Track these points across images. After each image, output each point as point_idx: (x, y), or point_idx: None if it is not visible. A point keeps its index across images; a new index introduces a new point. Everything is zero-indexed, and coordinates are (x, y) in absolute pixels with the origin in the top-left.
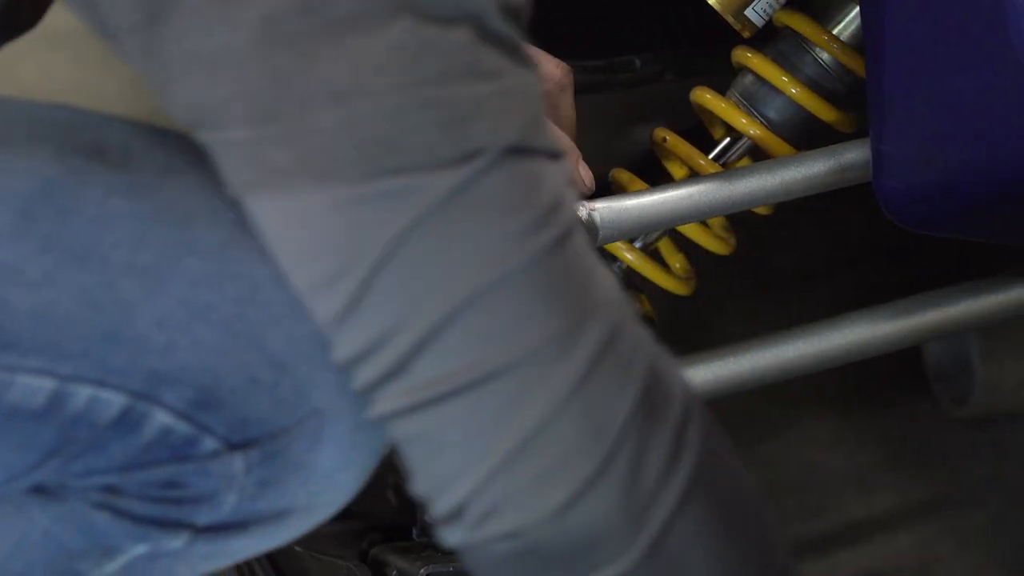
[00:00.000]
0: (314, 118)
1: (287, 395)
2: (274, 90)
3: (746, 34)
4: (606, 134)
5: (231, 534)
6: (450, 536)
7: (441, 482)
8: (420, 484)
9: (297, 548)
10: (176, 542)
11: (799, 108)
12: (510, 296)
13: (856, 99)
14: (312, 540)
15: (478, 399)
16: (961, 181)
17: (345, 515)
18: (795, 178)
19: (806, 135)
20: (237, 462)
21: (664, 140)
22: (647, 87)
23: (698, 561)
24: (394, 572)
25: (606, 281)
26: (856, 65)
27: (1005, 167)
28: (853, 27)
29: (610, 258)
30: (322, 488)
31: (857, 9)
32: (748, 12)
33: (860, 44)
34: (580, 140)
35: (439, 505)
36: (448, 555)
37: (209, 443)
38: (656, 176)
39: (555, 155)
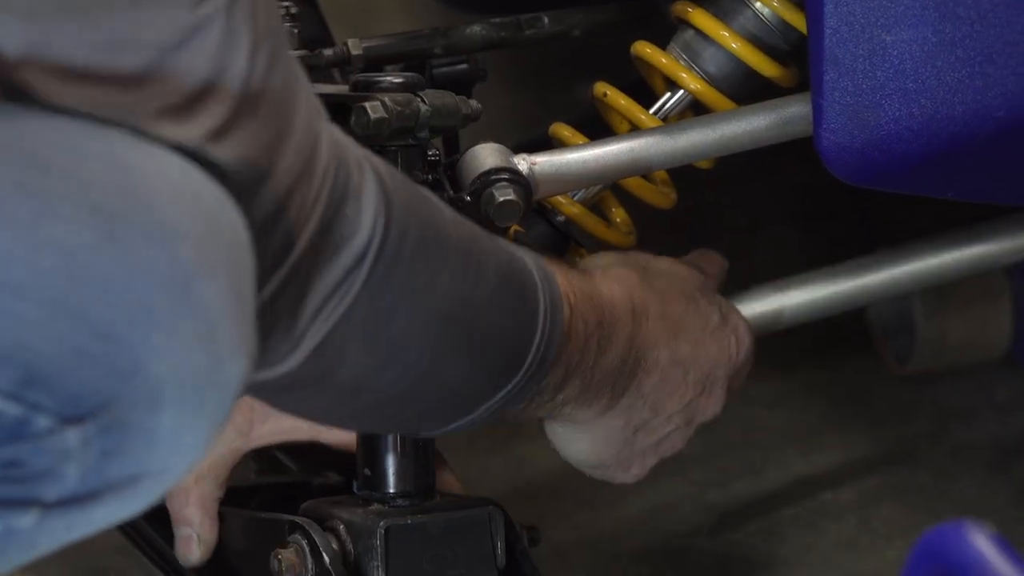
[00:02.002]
0: None
1: (118, 364)
2: None
3: None
4: (547, 89)
5: (85, 505)
6: None
7: None
8: None
9: (234, 508)
10: (26, 519)
11: (740, 63)
12: None
13: (797, 54)
14: (250, 498)
15: None
16: (900, 135)
17: (282, 472)
18: (736, 132)
19: (747, 90)
20: (73, 436)
21: (604, 95)
22: (588, 41)
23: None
24: (340, 525)
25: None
26: (796, 19)
27: (944, 121)
28: None
29: (551, 212)
30: (169, 451)
31: None
32: None
33: None
34: (521, 94)
35: None
36: (398, 508)
37: (42, 421)
38: (597, 131)
39: None
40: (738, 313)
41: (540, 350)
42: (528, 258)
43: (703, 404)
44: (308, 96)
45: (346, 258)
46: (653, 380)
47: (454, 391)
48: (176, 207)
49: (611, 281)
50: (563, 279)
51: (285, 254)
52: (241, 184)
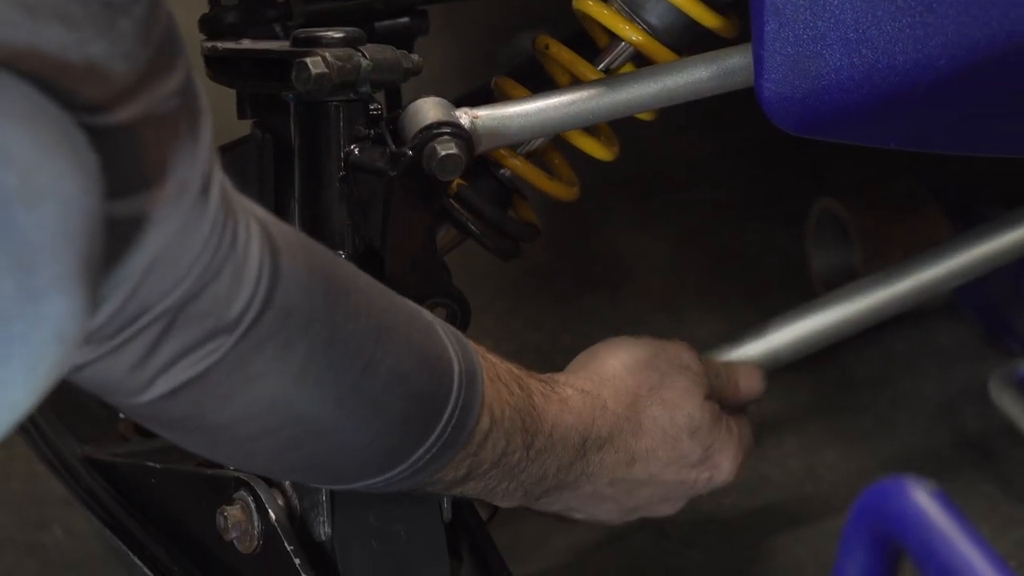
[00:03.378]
0: None
1: None
2: None
3: None
4: (490, 42)
5: None
6: None
7: None
8: None
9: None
10: None
11: (681, 14)
12: None
13: (738, 4)
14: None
15: None
16: (841, 85)
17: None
18: (677, 84)
19: (689, 41)
20: None
21: (546, 47)
22: None
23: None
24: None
25: None
26: None
27: (885, 70)
28: None
29: (494, 165)
30: None
31: None
32: None
33: None
34: (463, 48)
35: None
36: None
37: None
38: (539, 83)
39: None
40: (733, 445)
41: (438, 444)
42: (452, 350)
43: (652, 509)
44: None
45: (212, 324)
46: (584, 492)
47: (344, 454)
48: (12, 132)
49: (573, 406)
50: (496, 394)
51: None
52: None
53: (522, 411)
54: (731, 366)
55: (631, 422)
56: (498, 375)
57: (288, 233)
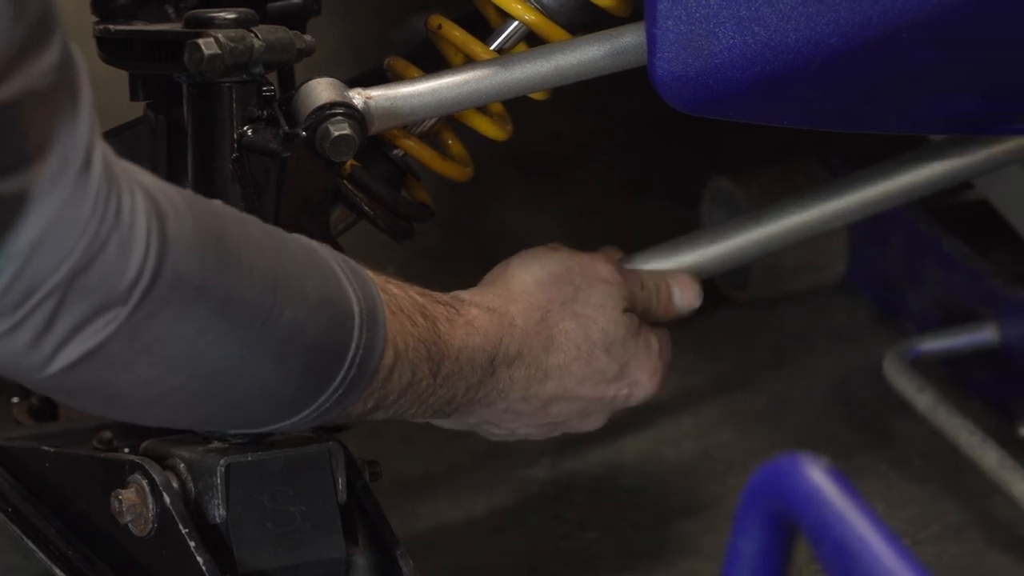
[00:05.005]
0: None
1: None
2: None
3: None
4: (383, 22)
5: None
6: None
7: None
8: None
9: (72, 449)
10: None
11: None
12: None
13: None
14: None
15: None
16: (734, 63)
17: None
18: (570, 63)
19: (581, 20)
20: None
21: (439, 27)
22: None
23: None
24: (181, 464)
25: None
26: None
27: (778, 48)
28: None
29: (387, 145)
30: None
31: None
32: None
33: None
34: (357, 28)
35: None
36: (238, 446)
37: None
38: (433, 64)
39: None
40: (651, 360)
41: (343, 386)
42: (351, 292)
43: (572, 425)
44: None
45: (104, 295)
46: (497, 408)
47: (252, 404)
48: None
49: (480, 327)
50: (399, 327)
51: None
52: None
53: (426, 340)
54: (664, 278)
55: (542, 337)
56: (400, 307)
57: (175, 197)
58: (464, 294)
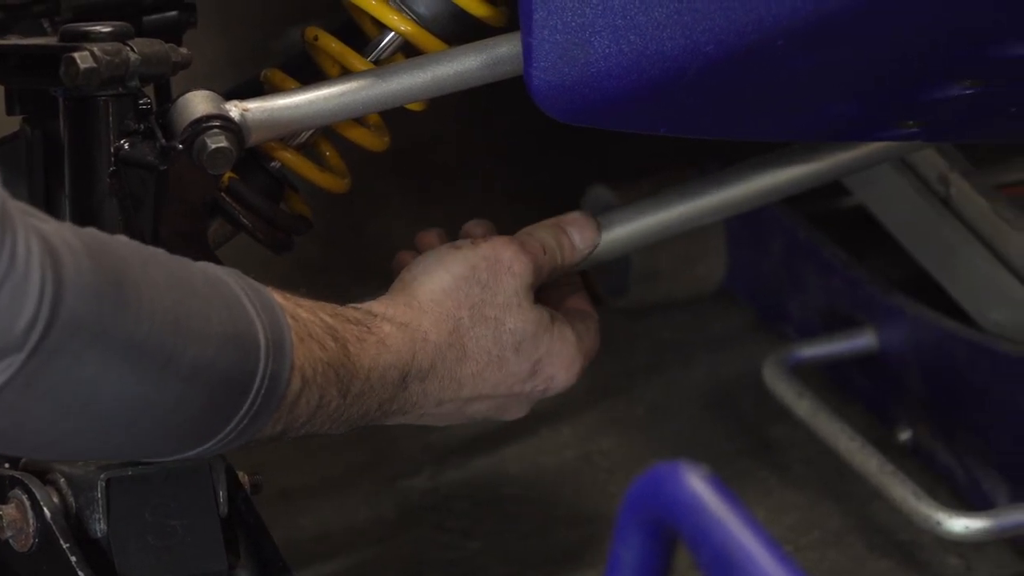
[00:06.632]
0: None
1: None
2: None
3: None
4: (260, 34)
5: None
6: None
7: None
8: None
9: None
10: None
11: (449, 3)
12: None
13: None
14: None
15: None
16: (610, 72)
17: None
18: (447, 74)
19: (458, 31)
20: None
21: (315, 39)
22: None
23: None
24: (61, 478)
25: None
26: None
27: (653, 57)
28: None
29: (265, 158)
30: None
31: None
32: None
33: None
34: (234, 41)
35: None
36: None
37: None
38: (310, 76)
39: None
40: (566, 353)
41: (248, 416)
42: (258, 323)
43: (495, 417)
44: None
45: None
46: (412, 416)
47: (154, 439)
48: None
49: (392, 345)
50: (307, 353)
51: None
52: None
53: (335, 364)
54: (559, 227)
55: (454, 348)
56: (309, 332)
57: (73, 240)
58: (377, 307)
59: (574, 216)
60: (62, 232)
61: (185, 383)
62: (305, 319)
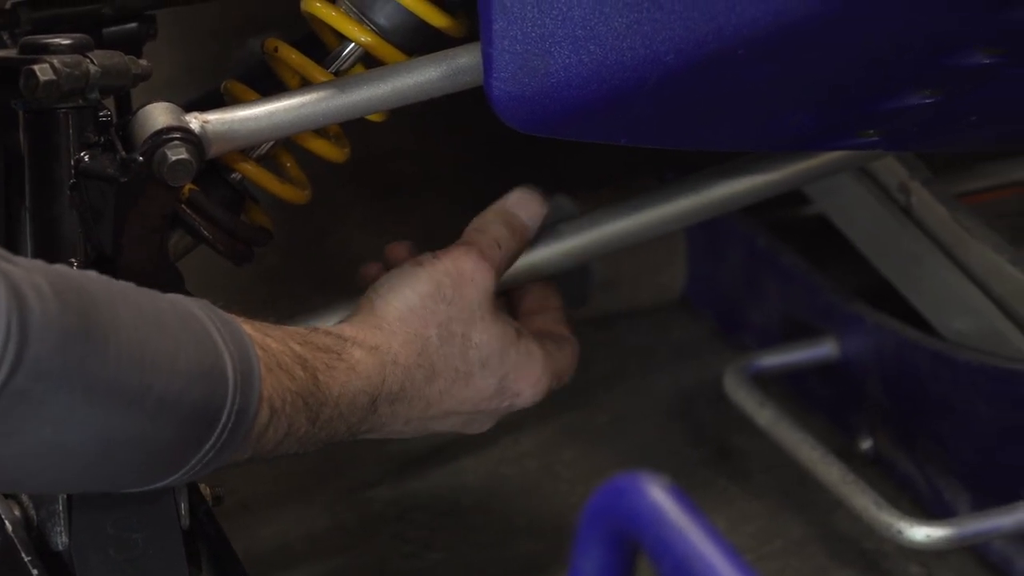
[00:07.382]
0: None
1: None
2: None
3: None
4: (220, 46)
5: None
6: None
7: None
8: None
9: None
10: None
11: (409, 14)
12: None
13: (466, 3)
14: None
15: None
16: (570, 83)
17: None
18: (407, 84)
19: (418, 41)
20: None
21: (276, 50)
22: None
23: None
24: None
25: None
26: None
27: (613, 67)
28: None
29: (225, 169)
30: None
31: None
32: None
33: None
34: (193, 52)
35: None
36: None
37: None
38: (270, 87)
39: None
40: (533, 369)
41: (214, 448)
42: (227, 356)
43: (461, 431)
44: None
45: None
46: (380, 434)
47: (120, 475)
48: None
49: (362, 371)
50: (276, 384)
51: None
52: None
53: (304, 393)
54: (505, 209)
55: (423, 368)
56: (278, 363)
57: (40, 283)
58: (347, 331)
59: (516, 196)
60: (31, 275)
61: (151, 420)
62: (274, 349)
